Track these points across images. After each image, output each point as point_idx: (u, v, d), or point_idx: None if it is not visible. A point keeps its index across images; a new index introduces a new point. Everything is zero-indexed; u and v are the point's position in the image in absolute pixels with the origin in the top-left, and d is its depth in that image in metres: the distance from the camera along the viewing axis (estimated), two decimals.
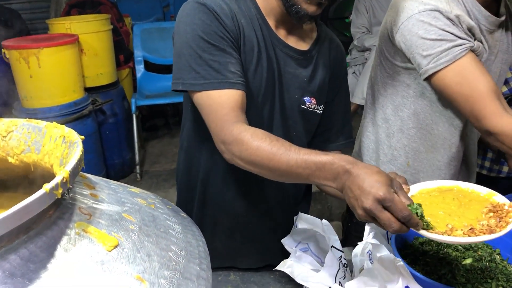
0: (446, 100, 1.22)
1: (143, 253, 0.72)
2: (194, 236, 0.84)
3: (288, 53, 1.15)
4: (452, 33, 1.12)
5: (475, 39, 1.17)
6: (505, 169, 1.64)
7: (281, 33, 1.15)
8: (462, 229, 0.85)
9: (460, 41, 1.12)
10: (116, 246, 0.66)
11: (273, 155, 0.92)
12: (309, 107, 1.21)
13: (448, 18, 1.12)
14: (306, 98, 1.20)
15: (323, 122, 1.29)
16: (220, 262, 1.25)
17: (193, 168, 1.25)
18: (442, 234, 0.84)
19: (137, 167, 3.66)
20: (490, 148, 1.65)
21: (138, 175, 3.65)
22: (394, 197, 0.80)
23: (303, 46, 1.19)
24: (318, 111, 1.23)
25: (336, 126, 1.31)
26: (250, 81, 1.09)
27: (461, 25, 1.14)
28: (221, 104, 1.00)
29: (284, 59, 1.15)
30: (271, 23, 1.13)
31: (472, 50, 1.14)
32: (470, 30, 1.16)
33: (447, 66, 1.12)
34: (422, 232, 0.84)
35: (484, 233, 0.83)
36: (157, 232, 0.78)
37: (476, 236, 0.83)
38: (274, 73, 1.13)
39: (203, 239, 0.86)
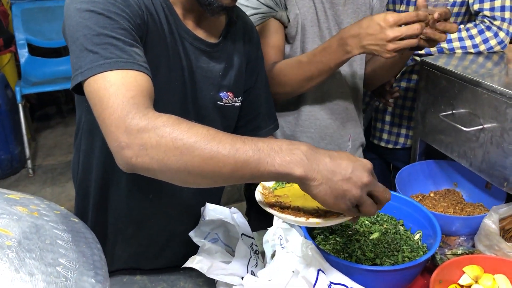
0: None
1: (24, 273, 0.62)
2: (87, 244, 0.74)
3: (199, 46, 1.02)
4: (258, 1, 1.27)
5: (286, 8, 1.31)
6: (401, 140, 1.72)
7: (190, 24, 1.01)
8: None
9: (263, 9, 1.28)
10: None
11: (211, 136, 0.71)
12: (226, 103, 1.10)
13: None
14: (222, 94, 1.09)
15: (247, 111, 1.19)
16: (122, 264, 1.15)
17: (91, 173, 1.08)
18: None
19: (28, 161, 3.37)
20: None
21: (30, 171, 3.36)
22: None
23: (214, 35, 1.06)
24: (236, 104, 1.13)
25: (262, 111, 1.22)
26: (155, 85, 0.92)
27: None
28: (126, 85, 0.77)
29: (195, 53, 1.01)
30: (179, 11, 0.98)
31: (276, 18, 1.31)
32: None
33: None
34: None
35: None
36: (41, 245, 0.68)
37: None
38: (183, 71, 1.00)
39: (99, 245, 0.77)
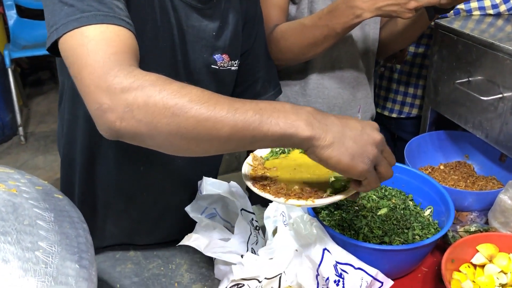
0: None
1: None
2: (71, 224, 0.67)
3: (190, 2, 0.92)
4: None
5: None
6: (406, 109, 1.64)
7: None
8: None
9: None
10: None
11: (207, 96, 0.64)
12: (221, 66, 1.01)
13: None
14: (216, 56, 1.00)
15: (245, 76, 1.11)
16: (114, 240, 1.09)
17: (76, 144, 1.00)
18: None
19: (20, 128, 3.28)
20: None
21: (22, 138, 3.28)
22: None
23: None
24: (232, 68, 1.04)
25: (262, 76, 1.14)
26: (140, 46, 0.82)
27: None
28: (107, 41, 0.67)
29: (185, 10, 0.92)
30: None
31: None
32: None
33: None
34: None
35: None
36: (18, 226, 0.60)
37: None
38: (172, 31, 0.91)
39: (85, 225, 0.70)
